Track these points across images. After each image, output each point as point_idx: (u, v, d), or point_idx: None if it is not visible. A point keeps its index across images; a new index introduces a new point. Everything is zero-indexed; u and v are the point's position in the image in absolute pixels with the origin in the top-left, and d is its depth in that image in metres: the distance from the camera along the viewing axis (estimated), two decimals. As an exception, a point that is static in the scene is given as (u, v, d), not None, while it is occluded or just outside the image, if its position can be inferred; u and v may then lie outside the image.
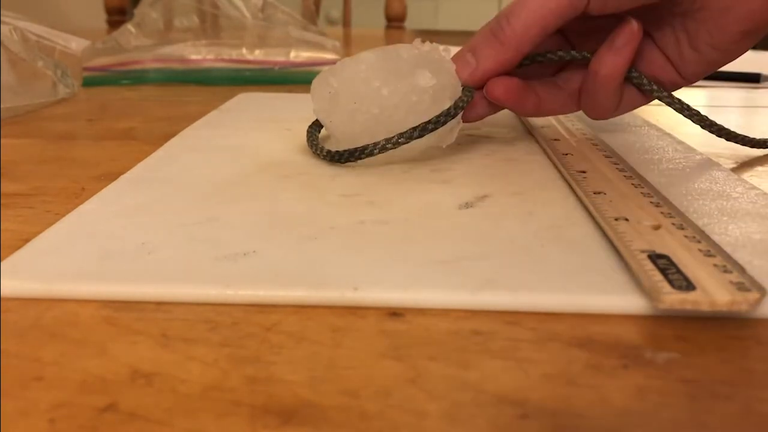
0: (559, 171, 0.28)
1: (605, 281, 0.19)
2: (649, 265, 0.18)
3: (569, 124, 0.35)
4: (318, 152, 0.30)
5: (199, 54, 0.56)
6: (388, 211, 0.24)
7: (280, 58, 0.56)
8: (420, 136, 0.28)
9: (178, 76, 0.55)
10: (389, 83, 0.28)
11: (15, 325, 0.17)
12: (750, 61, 0.48)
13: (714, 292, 0.17)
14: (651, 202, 0.23)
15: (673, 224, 0.21)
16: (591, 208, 0.23)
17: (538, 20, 0.28)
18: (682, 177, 0.28)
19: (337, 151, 0.29)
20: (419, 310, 0.18)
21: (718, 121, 0.32)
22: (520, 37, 0.29)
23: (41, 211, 0.25)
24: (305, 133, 0.32)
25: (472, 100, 0.30)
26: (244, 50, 0.56)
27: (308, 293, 0.18)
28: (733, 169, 0.30)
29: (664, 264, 0.18)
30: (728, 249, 0.20)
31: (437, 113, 0.29)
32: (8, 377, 0.15)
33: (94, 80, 0.54)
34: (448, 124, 0.30)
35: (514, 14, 0.29)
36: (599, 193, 0.24)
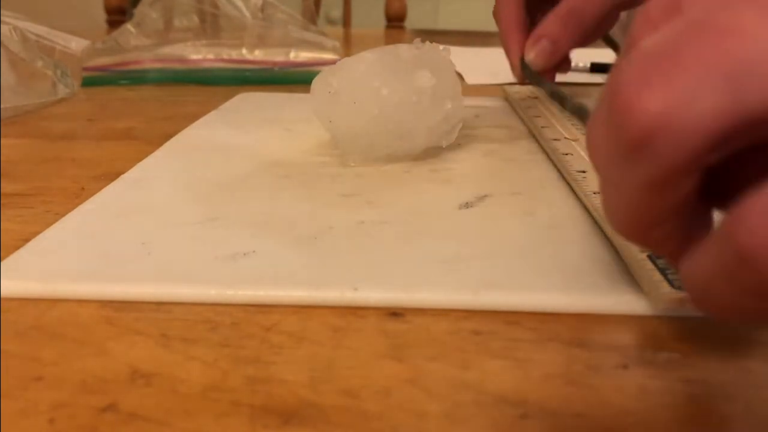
0: (559, 171, 0.28)
1: (605, 281, 0.19)
2: (649, 265, 0.18)
3: (570, 124, 0.35)
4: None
5: (199, 54, 0.56)
6: (388, 211, 0.24)
7: (280, 58, 0.56)
8: None
9: (178, 76, 0.55)
10: (389, 83, 0.28)
11: (15, 325, 0.17)
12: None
13: (714, 292, 0.17)
14: (651, 202, 0.23)
15: (673, 224, 0.21)
16: (591, 208, 0.23)
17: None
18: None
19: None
20: (419, 310, 0.18)
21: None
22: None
23: (41, 211, 0.25)
24: (306, 133, 0.32)
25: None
26: (244, 50, 0.56)
27: (308, 293, 0.18)
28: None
29: (663, 264, 0.18)
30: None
31: (436, 113, 0.29)
32: (8, 377, 0.15)
33: (94, 80, 0.54)
34: (449, 123, 0.30)
35: (584, 4, 0.36)
36: (599, 193, 0.24)
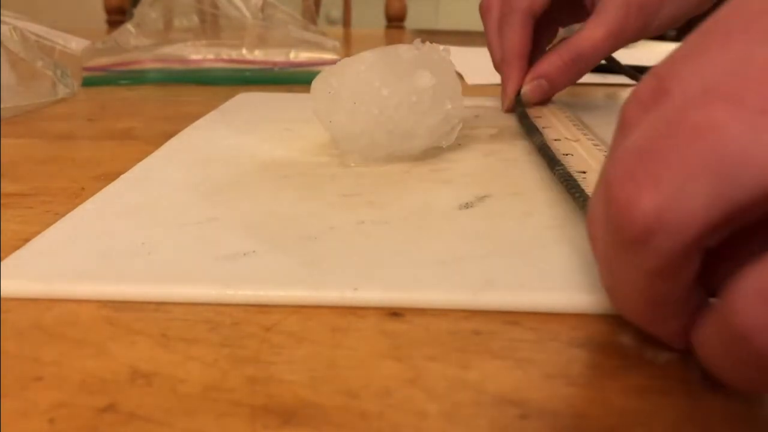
0: (559, 171, 0.28)
1: (605, 281, 0.19)
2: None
3: (571, 125, 0.35)
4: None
5: (199, 54, 0.56)
6: (388, 211, 0.24)
7: (280, 58, 0.56)
8: None
9: (178, 76, 0.55)
10: (389, 83, 0.28)
11: (15, 325, 0.17)
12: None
13: (714, 292, 0.17)
14: (651, 202, 0.23)
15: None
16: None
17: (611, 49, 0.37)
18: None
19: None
20: (419, 310, 0.18)
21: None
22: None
23: (41, 211, 0.25)
24: (306, 133, 0.32)
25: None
26: (244, 50, 0.56)
27: (308, 293, 0.18)
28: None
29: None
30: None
31: (436, 113, 0.29)
32: (8, 377, 0.15)
33: (94, 80, 0.54)
34: (449, 123, 0.30)
35: (591, 53, 0.37)
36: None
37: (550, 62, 0.38)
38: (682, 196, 0.12)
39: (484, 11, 0.42)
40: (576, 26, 0.42)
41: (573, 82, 0.39)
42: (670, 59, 0.14)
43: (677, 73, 0.14)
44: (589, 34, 0.37)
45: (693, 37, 0.14)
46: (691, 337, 0.14)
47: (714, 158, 0.12)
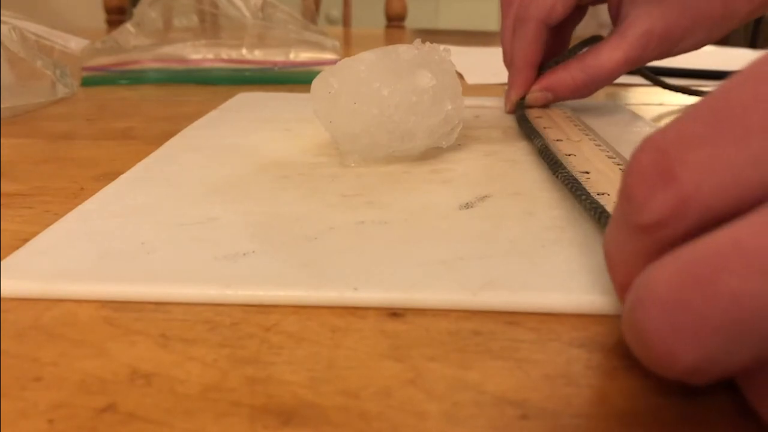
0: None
1: (606, 281, 0.19)
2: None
3: (572, 125, 0.35)
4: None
5: (199, 54, 0.56)
6: (388, 211, 0.24)
7: (280, 58, 0.56)
8: None
9: (177, 76, 0.55)
10: (389, 83, 0.28)
11: (14, 325, 0.17)
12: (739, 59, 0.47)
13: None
14: (651, 202, 0.23)
15: (674, 224, 0.21)
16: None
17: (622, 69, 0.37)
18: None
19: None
20: (419, 310, 0.18)
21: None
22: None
23: (41, 211, 0.25)
24: (306, 133, 0.32)
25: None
26: (244, 50, 0.56)
27: (308, 293, 0.18)
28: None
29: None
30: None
31: (437, 114, 0.29)
32: (7, 377, 0.15)
33: (93, 80, 0.54)
34: (449, 124, 0.30)
35: (604, 78, 0.37)
36: (602, 194, 0.24)
37: (561, 79, 0.38)
38: (725, 356, 0.12)
39: (504, 4, 0.41)
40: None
41: (581, 98, 0.39)
42: (677, 131, 0.13)
43: (687, 157, 0.13)
44: (605, 58, 0.36)
45: (705, 110, 0.13)
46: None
47: (757, 324, 0.11)
